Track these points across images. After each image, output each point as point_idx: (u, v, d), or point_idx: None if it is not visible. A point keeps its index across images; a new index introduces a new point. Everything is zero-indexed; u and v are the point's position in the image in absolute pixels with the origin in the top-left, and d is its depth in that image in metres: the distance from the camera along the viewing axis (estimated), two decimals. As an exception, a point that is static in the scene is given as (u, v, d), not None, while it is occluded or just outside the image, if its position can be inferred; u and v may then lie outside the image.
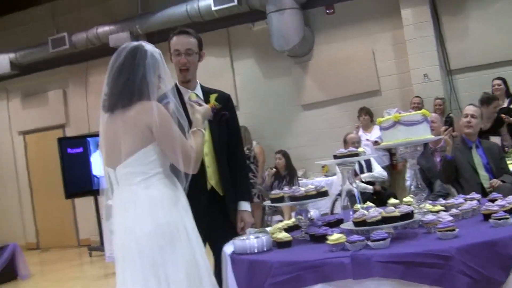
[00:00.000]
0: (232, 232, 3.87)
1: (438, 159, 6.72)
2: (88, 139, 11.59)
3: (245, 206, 4.06)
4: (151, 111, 3.04)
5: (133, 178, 3.11)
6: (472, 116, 6.15)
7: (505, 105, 9.04)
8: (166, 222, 3.08)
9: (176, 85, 3.82)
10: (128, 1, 12.74)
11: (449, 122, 5.88)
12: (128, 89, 3.10)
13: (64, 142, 11.66)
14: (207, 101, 3.87)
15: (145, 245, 3.03)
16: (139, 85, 3.11)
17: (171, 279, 3.03)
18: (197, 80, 4.09)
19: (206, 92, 4.03)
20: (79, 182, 11.37)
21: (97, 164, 11.06)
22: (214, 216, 3.80)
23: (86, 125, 12.54)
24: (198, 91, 4.04)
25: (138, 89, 3.11)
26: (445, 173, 6.04)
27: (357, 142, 8.82)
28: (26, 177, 14.50)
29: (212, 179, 3.89)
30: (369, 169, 8.82)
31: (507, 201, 3.38)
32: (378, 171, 8.80)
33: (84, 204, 12.82)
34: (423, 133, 3.52)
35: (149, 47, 3.23)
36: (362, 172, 8.78)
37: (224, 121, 3.99)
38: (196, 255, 3.17)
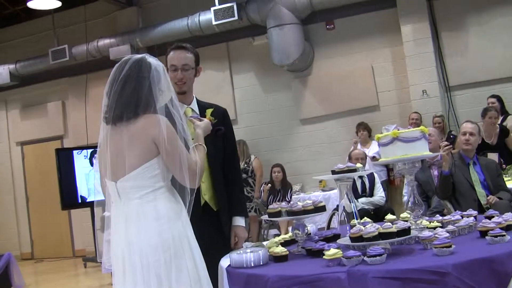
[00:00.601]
0: (227, 247, 3.87)
1: (435, 173, 6.73)
2: (86, 150, 11.59)
3: (239, 221, 4.05)
4: (158, 126, 3.04)
5: (137, 192, 3.10)
6: (471, 134, 6.18)
7: (499, 122, 9.09)
8: (171, 235, 3.08)
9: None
10: (129, 14, 12.79)
11: (452, 139, 5.91)
12: (134, 101, 3.10)
13: (62, 153, 11.64)
14: (203, 115, 3.87)
15: (150, 259, 3.02)
16: (145, 97, 3.11)
17: None
18: (193, 95, 4.09)
19: (202, 106, 4.03)
20: (76, 193, 11.35)
21: (87, 177, 11.13)
22: (208, 231, 3.78)
23: (84, 136, 12.53)
24: (194, 105, 4.04)
25: (144, 102, 3.11)
26: (441, 188, 6.05)
27: (362, 159, 8.75)
28: (23, 187, 14.49)
29: (206, 194, 3.88)
30: (372, 189, 8.72)
31: (503, 218, 3.39)
32: (378, 196, 8.66)
33: (80, 215, 12.81)
34: (422, 150, 3.53)
35: (152, 60, 3.23)
36: (364, 191, 8.68)
37: (220, 136, 3.98)
38: (198, 268, 3.17)
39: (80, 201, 11.33)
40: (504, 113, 9.43)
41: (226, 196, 4.00)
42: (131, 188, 3.10)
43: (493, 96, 9.64)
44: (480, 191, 5.94)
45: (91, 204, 11.11)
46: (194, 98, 4.09)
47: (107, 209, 3.32)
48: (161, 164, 3.11)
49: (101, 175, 3.31)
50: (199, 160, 3.21)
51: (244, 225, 4.07)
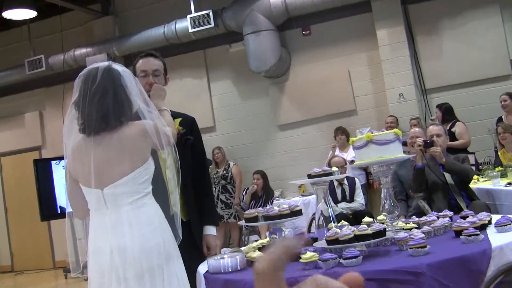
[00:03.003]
0: (199, 255, 3.89)
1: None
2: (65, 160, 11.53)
3: (210, 230, 4.06)
4: (147, 131, 3.11)
5: (128, 198, 3.11)
6: (437, 135, 6.27)
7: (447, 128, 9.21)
8: (162, 240, 3.12)
9: None
10: (105, 23, 12.76)
11: (430, 143, 5.99)
12: (116, 109, 3.12)
13: (40, 164, 11.58)
14: None
15: (144, 264, 3.04)
16: (125, 104, 3.14)
17: None
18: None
19: (172, 116, 4.05)
20: (55, 203, 11.29)
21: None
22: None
23: (62, 147, 12.47)
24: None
25: (125, 109, 3.15)
26: (416, 182, 6.12)
27: (342, 167, 8.78)
28: (1, 199, 14.36)
29: (175, 205, 3.88)
30: (352, 195, 8.73)
31: (478, 218, 3.43)
32: (358, 203, 8.67)
33: (60, 225, 12.71)
34: (396, 152, 3.56)
35: (118, 67, 3.26)
36: (344, 196, 8.69)
37: (189, 146, 4.00)
38: (185, 273, 3.24)
39: (59, 211, 11.26)
40: (445, 121, 9.54)
41: (196, 205, 4.01)
42: (122, 194, 3.11)
43: (437, 106, 9.86)
44: (454, 190, 6.00)
45: (70, 214, 11.06)
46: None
47: (79, 217, 3.34)
48: (149, 169, 3.15)
49: (71, 185, 3.31)
50: (168, 122, 3.42)
51: (215, 234, 4.08)
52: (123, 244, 3.07)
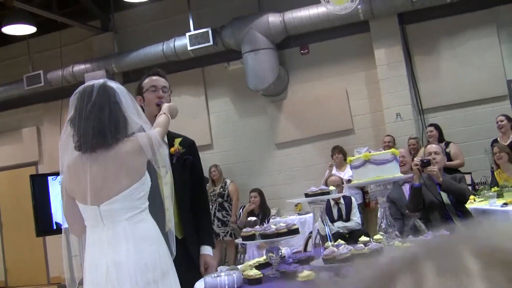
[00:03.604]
0: (194, 271, 3.89)
1: (407, 189, 6.81)
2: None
3: (207, 250, 4.07)
4: (142, 147, 3.13)
5: (125, 213, 3.12)
6: (435, 153, 6.31)
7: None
8: (158, 255, 3.13)
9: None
10: (105, 39, 12.82)
11: (426, 163, 6.03)
12: (112, 127, 3.13)
13: (37, 179, 11.55)
14: (171, 144, 3.95)
15: (139, 279, 3.04)
16: (121, 121, 3.16)
17: None
18: None
19: (171, 136, 4.09)
20: (50, 219, 11.25)
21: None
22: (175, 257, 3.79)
23: (59, 163, 12.47)
24: None
25: (121, 126, 3.16)
26: (413, 201, 6.13)
27: (338, 185, 8.79)
28: (-3, 214, 14.34)
29: (170, 222, 3.90)
30: (348, 214, 8.73)
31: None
32: (354, 222, 8.67)
33: (55, 241, 12.67)
34: (393, 171, 3.58)
35: (113, 84, 3.28)
36: (340, 216, 8.69)
37: (188, 165, 4.03)
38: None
39: (55, 227, 11.22)
40: (441, 140, 9.61)
41: (192, 224, 4.04)
42: (119, 210, 3.12)
43: (431, 124, 9.88)
44: (451, 210, 6.02)
45: (66, 230, 11.02)
46: None
47: (75, 234, 3.35)
48: (146, 184, 3.16)
49: (67, 202, 3.32)
50: (161, 121, 3.52)
51: (211, 254, 4.10)
52: (119, 259, 3.07)
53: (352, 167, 3.73)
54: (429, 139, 9.72)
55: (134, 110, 3.27)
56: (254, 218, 9.15)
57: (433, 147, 6.51)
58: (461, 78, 10.56)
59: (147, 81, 4.07)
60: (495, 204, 6.57)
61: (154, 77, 4.09)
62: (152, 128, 3.35)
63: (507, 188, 6.96)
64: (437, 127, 9.80)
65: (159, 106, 3.96)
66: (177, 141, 4.02)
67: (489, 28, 10.51)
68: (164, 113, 3.59)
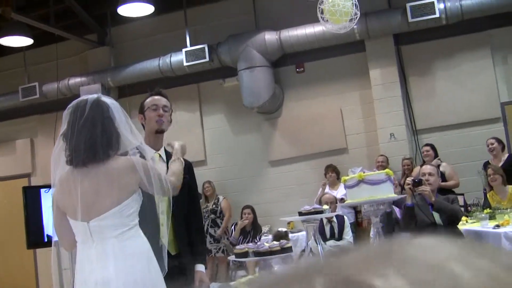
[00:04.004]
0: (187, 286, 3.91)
1: (396, 209, 6.83)
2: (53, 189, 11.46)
3: (201, 268, 4.12)
4: (134, 167, 3.11)
5: (114, 230, 3.11)
6: (430, 174, 6.35)
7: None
8: (148, 271, 3.11)
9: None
10: (101, 53, 12.84)
11: (418, 182, 6.08)
12: (104, 142, 3.13)
13: (29, 191, 11.51)
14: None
15: None
16: (113, 137, 3.15)
17: None
18: (163, 143, 4.22)
19: (170, 155, 4.12)
20: (42, 232, 11.20)
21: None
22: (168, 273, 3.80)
23: (51, 175, 12.45)
24: (162, 152, 4.17)
25: (113, 142, 3.15)
26: (405, 220, 6.16)
27: (332, 202, 8.80)
28: (-12, 226, 14.26)
29: (164, 238, 3.91)
30: (341, 232, 8.73)
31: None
32: (346, 241, 8.65)
33: (46, 254, 12.59)
34: (387, 192, 3.60)
35: (108, 100, 3.28)
36: (332, 234, 8.70)
37: (185, 184, 4.06)
38: None
39: (46, 240, 11.18)
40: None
41: (187, 240, 4.09)
42: (109, 226, 3.11)
43: (427, 144, 9.92)
44: (442, 230, 6.05)
45: (57, 244, 10.96)
46: (163, 146, 4.21)
47: (65, 248, 3.35)
48: (137, 202, 3.15)
49: (57, 216, 3.31)
50: (172, 171, 3.41)
51: (204, 272, 4.15)
52: (107, 276, 3.06)
53: (346, 187, 3.76)
54: (424, 159, 9.75)
55: (127, 126, 3.27)
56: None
57: (427, 168, 6.55)
58: (455, 100, 10.62)
59: (149, 100, 4.15)
60: (487, 225, 6.61)
61: (156, 97, 4.17)
62: (167, 176, 3.36)
63: (499, 210, 7.00)
64: (433, 147, 9.82)
65: (158, 123, 4.04)
66: None
67: (483, 50, 10.59)
68: (178, 158, 3.58)
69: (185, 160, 4.21)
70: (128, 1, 9.99)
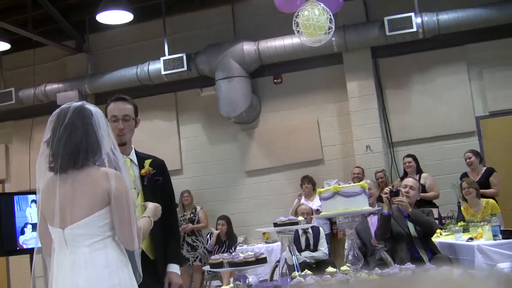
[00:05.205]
0: None
1: (372, 221, 6.87)
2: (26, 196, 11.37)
3: (174, 268, 4.08)
4: (111, 179, 3.08)
5: (86, 240, 3.08)
6: (411, 187, 6.43)
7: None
8: (118, 281, 3.09)
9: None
10: (79, 60, 12.78)
11: (395, 192, 6.14)
12: (84, 148, 3.11)
13: (3, 198, 11.40)
14: (142, 166, 3.94)
15: None
16: (93, 144, 3.14)
17: None
18: (132, 146, 4.16)
19: (141, 157, 4.10)
20: (16, 239, 11.10)
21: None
22: (145, 279, 3.77)
23: (27, 181, 12.35)
24: (133, 156, 4.10)
25: (93, 149, 3.14)
26: (381, 229, 6.20)
27: (308, 214, 8.83)
28: (-40, 232, 14.09)
29: (142, 243, 3.89)
30: (316, 244, 8.74)
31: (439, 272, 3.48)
32: (322, 252, 8.68)
33: (18, 262, 12.48)
34: (362, 204, 3.63)
35: (91, 107, 3.26)
36: (308, 245, 8.70)
37: (158, 186, 4.04)
38: None
39: (19, 248, 11.07)
40: (418, 171, 9.74)
41: (162, 245, 4.05)
42: (81, 235, 3.09)
43: (408, 155, 9.97)
44: (417, 242, 6.10)
45: (30, 251, 10.86)
46: (133, 149, 4.15)
47: (46, 255, 3.31)
48: (110, 214, 3.12)
49: (41, 222, 3.30)
50: (142, 226, 3.27)
51: (178, 272, 4.09)
52: (76, 286, 3.04)
53: (321, 199, 3.78)
54: (407, 170, 9.76)
55: (108, 135, 3.26)
56: None
57: (410, 181, 6.65)
58: (431, 113, 10.73)
59: (110, 109, 4.03)
60: (461, 238, 6.67)
61: (117, 105, 4.04)
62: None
63: (473, 223, 7.06)
64: (415, 158, 9.83)
65: (119, 138, 3.89)
66: (147, 162, 4.04)
67: (459, 65, 10.72)
68: (149, 217, 3.52)
69: (157, 158, 4.20)
70: (107, 8, 9.95)
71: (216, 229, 10.43)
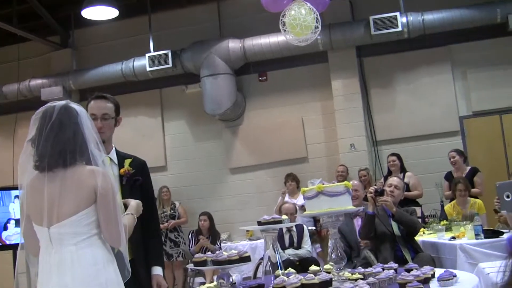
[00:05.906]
0: None
1: (358, 222, 6.90)
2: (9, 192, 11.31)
3: (158, 271, 4.05)
4: (98, 177, 3.07)
5: (73, 238, 3.07)
6: (396, 186, 6.47)
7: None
8: (105, 279, 3.08)
9: None
10: (64, 56, 12.71)
11: (379, 192, 6.17)
12: (71, 147, 3.10)
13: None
14: (121, 165, 3.92)
15: None
16: (80, 143, 3.13)
17: None
18: (113, 145, 4.11)
19: (121, 156, 4.05)
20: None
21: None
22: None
23: (10, 177, 12.28)
24: (113, 155, 4.06)
25: (80, 148, 3.13)
26: (365, 228, 6.24)
27: (292, 214, 8.85)
28: None
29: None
30: (300, 241, 8.76)
31: (421, 272, 3.51)
32: (305, 250, 8.70)
33: (1, 258, 12.40)
34: (345, 204, 3.64)
35: (75, 106, 3.26)
36: (292, 243, 8.72)
37: (138, 186, 4.00)
38: None
39: (1, 243, 11.02)
40: (402, 170, 9.79)
41: (142, 246, 4.00)
42: (67, 234, 3.08)
43: (393, 154, 10.00)
44: (401, 242, 6.13)
45: (13, 247, 10.81)
46: (114, 148, 4.10)
47: (31, 254, 3.30)
48: (96, 212, 3.12)
49: (26, 220, 3.28)
50: (127, 224, 3.26)
51: (162, 275, 4.07)
52: (64, 284, 3.03)
53: (305, 198, 3.79)
54: (391, 168, 9.80)
55: (92, 134, 3.25)
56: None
57: (395, 180, 6.68)
58: (415, 113, 10.79)
59: (90, 106, 3.98)
60: (444, 237, 6.72)
61: (97, 103, 3.99)
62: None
63: (455, 222, 7.11)
64: (399, 157, 9.87)
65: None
66: (127, 161, 3.99)
67: (444, 65, 10.79)
68: (132, 214, 3.51)
69: (138, 158, 4.16)
70: (92, 4, 9.92)
71: (198, 226, 10.43)
